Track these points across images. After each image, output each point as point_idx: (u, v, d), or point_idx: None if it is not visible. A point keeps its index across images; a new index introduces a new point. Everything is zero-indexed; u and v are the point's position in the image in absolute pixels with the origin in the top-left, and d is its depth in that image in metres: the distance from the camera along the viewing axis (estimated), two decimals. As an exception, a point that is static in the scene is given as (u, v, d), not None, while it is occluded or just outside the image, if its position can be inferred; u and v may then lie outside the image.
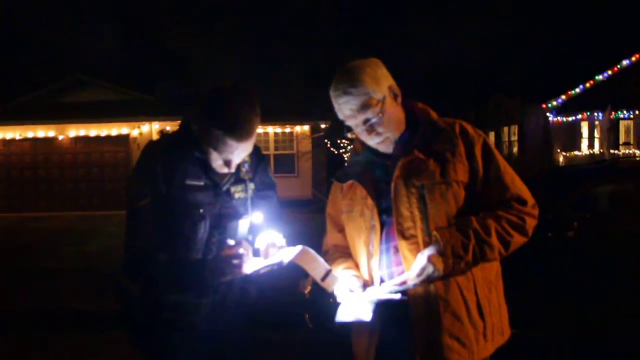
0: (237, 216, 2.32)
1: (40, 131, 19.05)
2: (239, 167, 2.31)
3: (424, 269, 2.02)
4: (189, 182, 2.21)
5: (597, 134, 21.44)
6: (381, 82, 2.17)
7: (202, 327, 2.31)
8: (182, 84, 21.59)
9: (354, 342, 2.33)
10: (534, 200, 2.20)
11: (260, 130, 2.41)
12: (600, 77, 20.91)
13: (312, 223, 9.90)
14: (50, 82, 21.40)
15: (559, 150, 21.43)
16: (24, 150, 19.49)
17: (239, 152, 2.20)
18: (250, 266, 2.17)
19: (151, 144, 2.35)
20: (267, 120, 16.53)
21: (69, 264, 9.77)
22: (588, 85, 20.99)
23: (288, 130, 19.72)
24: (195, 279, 2.16)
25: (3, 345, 5.70)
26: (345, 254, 2.36)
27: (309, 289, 4.72)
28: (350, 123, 2.19)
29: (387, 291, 2.09)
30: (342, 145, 22.39)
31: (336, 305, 2.21)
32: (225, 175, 2.29)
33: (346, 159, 18.68)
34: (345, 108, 2.15)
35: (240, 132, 2.14)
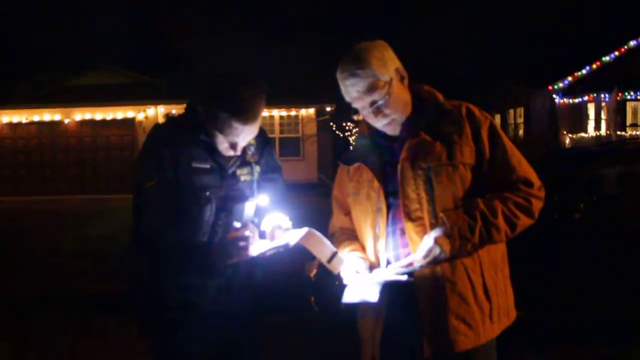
0: (243, 198, 2.32)
1: (46, 115, 19.12)
2: (244, 149, 2.31)
3: (430, 250, 2.02)
4: (195, 165, 2.22)
5: (603, 116, 21.31)
6: (388, 63, 2.16)
7: (208, 310, 2.32)
8: (188, 67, 21.57)
9: (360, 324, 2.34)
10: (540, 182, 2.20)
11: (265, 113, 2.41)
12: (606, 58, 20.74)
13: (317, 206, 9.91)
14: (56, 66, 21.45)
15: (565, 132, 21.32)
16: (30, 134, 19.58)
17: (245, 135, 2.21)
18: (256, 248, 2.18)
19: (157, 127, 2.36)
20: (272, 103, 16.53)
21: (73, 247, 9.84)
22: (594, 66, 20.81)
23: (293, 113, 19.70)
24: (201, 261, 2.17)
25: (5, 328, 5.75)
26: (351, 236, 2.37)
27: (314, 271, 4.74)
28: (356, 105, 2.19)
29: (394, 272, 2.10)
30: (347, 128, 22.36)
31: (342, 287, 2.22)
32: (231, 157, 2.30)
33: (351, 141, 18.66)
34: (351, 90, 2.15)
35: (246, 114, 2.14)
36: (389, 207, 2.18)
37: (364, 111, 2.19)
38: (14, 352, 5.09)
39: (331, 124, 20.62)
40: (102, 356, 4.96)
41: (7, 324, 5.90)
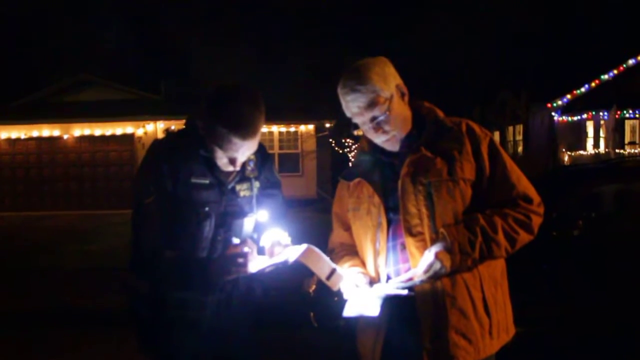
0: (242, 214, 2.32)
1: (45, 130, 19.11)
2: (244, 165, 2.32)
3: (431, 265, 2.03)
4: (194, 180, 2.22)
5: (602, 133, 21.38)
6: (389, 80, 2.18)
7: (207, 325, 2.31)
8: (187, 82, 21.63)
9: (360, 340, 2.33)
10: (540, 198, 2.21)
11: (264, 129, 2.41)
12: (605, 76, 20.83)
13: (316, 222, 9.90)
14: (55, 81, 21.48)
15: (563, 150, 21.37)
16: (29, 150, 19.55)
17: (244, 150, 2.21)
18: (255, 264, 2.17)
19: (156, 142, 2.36)
20: (272, 119, 16.56)
21: (73, 263, 9.81)
22: (593, 84, 20.90)
23: (292, 129, 19.73)
24: (200, 277, 2.16)
25: (7, 343, 5.72)
26: (351, 251, 2.37)
27: (313, 287, 4.74)
28: (357, 120, 2.21)
29: (394, 287, 2.10)
30: (346, 144, 22.39)
31: (341, 303, 2.21)
32: (230, 173, 2.30)
33: (351, 158, 18.68)
34: (352, 105, 2.17)
35: (245, 130, 2.15)
36: (389, 223, 2.19)
37: (365, 127, 2.20)
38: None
39: (330, 140, 20.64)
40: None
41: (7, 338, 5.87)
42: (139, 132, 19.09)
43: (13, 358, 5.30)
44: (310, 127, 19.67)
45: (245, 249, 2.14)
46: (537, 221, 2.16)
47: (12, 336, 5.96)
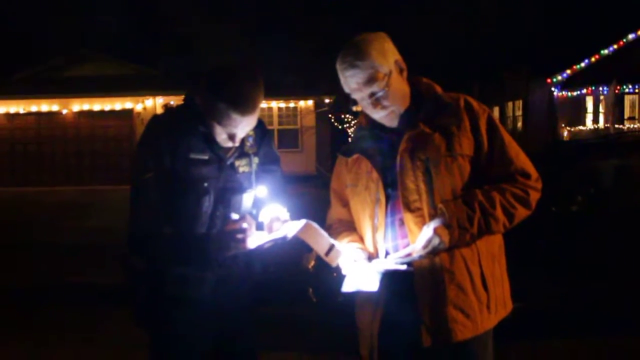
0: (241, 190, 2.32)
1: (44, 105, 19.08)
2: (243, 140, 2.31)
3: (429, 240, 2.04)
4: (193, 156, 2.22)
5: (601, 109, 21.34)
6: (387, 55, 2.17)
7: (206, 301, 2.32)
8: (186, 58, 21.52)
9: (358, 315, 2.35)
10: (538, 174, 2.21)
11: (263, 104, 2.40)
12: (605, 51, 20.75)
13: (314, 197, 9.91)
14: (54, 56, 21.37)
15: (563, 125, 21.35)
16: (28, 125, 19.54)
17: (243, 126, 2.20)
18: (254, 240, 2.18)
19: (155, 118, 2.36)
20: (271, 94, 16.51)
21: (70, 239, 9.85)
22: (593, 59, 20.83)
23: (292, 105, 19.69)
24: (199, 252, 2.17)
25: (5, 318, 5.77)
26: (349, 227, 2.38)
27: (312, 263, 4.76)
28: (355, 96, 2.20)
29: (393, 262, 2.11)
30: (345, 120, 22.32)
31: (339, 279, 2.22)
32: (229, 149, 2.30)
33: (350, 133, 18.64)
34: (351, 81, 2.16)
35: (244, 105, 2.14)
36: (387, 199, 2.19)
37: (363, 102, 2.20)
38: (16, 342, 5.10)
39: (330, 116, 20.60)
40: (102, 345, 4.97)
41: (6, 314, 5.92)
42: (138, 107, 19.06)
43: (11, 333, 5.34)
44: (310, 102, 19.64)
45: (244, 225, 2.14)
46: (535, 196, 2.17)
47: (8, 312, 5.99)
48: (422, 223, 2.10)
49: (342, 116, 22.04)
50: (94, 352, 4.87)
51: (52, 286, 6.96)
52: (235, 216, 2.21)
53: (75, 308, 6.07)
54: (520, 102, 24.60)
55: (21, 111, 19.25)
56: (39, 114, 19.26)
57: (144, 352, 2.43)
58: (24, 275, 7.46)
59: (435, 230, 2.04)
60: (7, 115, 19.40)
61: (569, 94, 21.34)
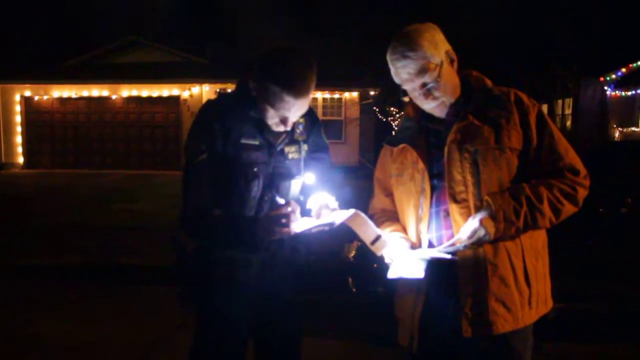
0: (290, 176, 2.36)
1: (95, 90, 19.51)
2: (293, 127, 2.35)
3: (475, 231, 2.04)
4: (244, 141, 2.27)
5: (656, 110, 20.71)
6: (439, 46, 2.18)
7: (251, 283, 2.37)
8: (233, 47, 21.69)
9: (399, 305, 2.37)
10: (586, 171, 2.19)
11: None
12: (663, 50, 20.08)
13: (357, 189, 9.93)
14: (105, 43, 21.81)
15: (614, 126, 20.79)
16: (79, 109, 20.01)
17: (295, 109, 2.24)
18: (301, 225, 2.21)
19: (209, 102, 2.41)
20: (316, 85, 16.46)
21: (118, 221, 10.10)
22: (650, 58, 20.19)
23: (337, 95, 19.67)
24: (247, 235, 2.21)
25: (54, 294, 5.98)
26: (392, 217, 2.39)
27: (353, 253, 4.80)
28: (406, 87, 2.21)
29: (437, 251, 2.12)
30: (390, 112, 22.20)
31: (380, 270, 2.23)
32: (279, 135, 2.34)
33: (394, 126, 18.53)
34: (402, 72, 2.17)
35: (297, 88, 2.18)
36: (432, 189, 2.20)
37: (414, 93, 2.21)
38: (60, 318, 5.30)
39: (374, 108, 20.50)
40: (147, 321, 5.11)
41: (55, 290, 6.13)
42: (185, 94, 19.30)
43: (56, 310, 5.54)
44: (355, 94, 19.57)
45: (289, 209, 2.17)
46: (582, 193, 2.15)
47: (57, 288, 6.21)
48: (468, 215, 2.10)
49: (387, 108, 21.92)
50: (138, 329, 4.99)
51: (101, 266, 7.16)
52: (281, 201, 2.25)
53: (122, 287, 6.26)
54: (571, 100, 24.02)
55: (73, 96, 19.71)
56: (89, 98, 19.69)
57: (186, 331, 2.49)
58: (74, 254, 7.69)
59: (481, 222, 2.04)
60: (60, 99, 19.90)
61: (623, 93, 20.76)
